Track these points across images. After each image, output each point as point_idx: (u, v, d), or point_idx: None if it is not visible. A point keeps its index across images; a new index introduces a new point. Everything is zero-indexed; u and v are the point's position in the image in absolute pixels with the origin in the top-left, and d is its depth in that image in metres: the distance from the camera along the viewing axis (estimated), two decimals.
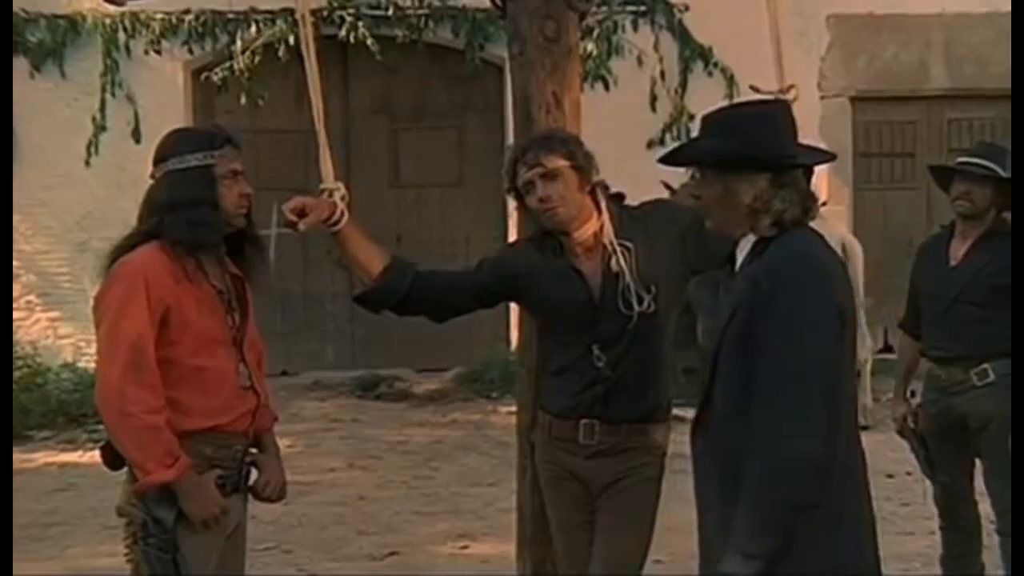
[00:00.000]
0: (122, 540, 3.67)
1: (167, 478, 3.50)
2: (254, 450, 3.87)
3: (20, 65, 12.13)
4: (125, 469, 3.64)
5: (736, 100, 11.61)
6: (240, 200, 3.69)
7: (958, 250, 5.20)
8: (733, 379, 2.98)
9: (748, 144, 3.00)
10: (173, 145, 3.73)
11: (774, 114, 3.19)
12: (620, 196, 4.08)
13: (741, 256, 3.16)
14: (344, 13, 12.33)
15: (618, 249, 3.91)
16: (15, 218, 11.50)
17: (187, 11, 12.32)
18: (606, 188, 4.01)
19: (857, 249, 10.38)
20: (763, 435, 2.82)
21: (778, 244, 3.01)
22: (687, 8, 12.63)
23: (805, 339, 2.82)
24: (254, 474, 3.87)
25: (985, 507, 5.27)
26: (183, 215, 3.61)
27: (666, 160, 3.23)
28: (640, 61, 12.59)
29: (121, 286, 3.56)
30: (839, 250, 10.28)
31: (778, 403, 2.81)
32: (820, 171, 3.87)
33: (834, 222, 10.80)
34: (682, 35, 12.70)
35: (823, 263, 3.00)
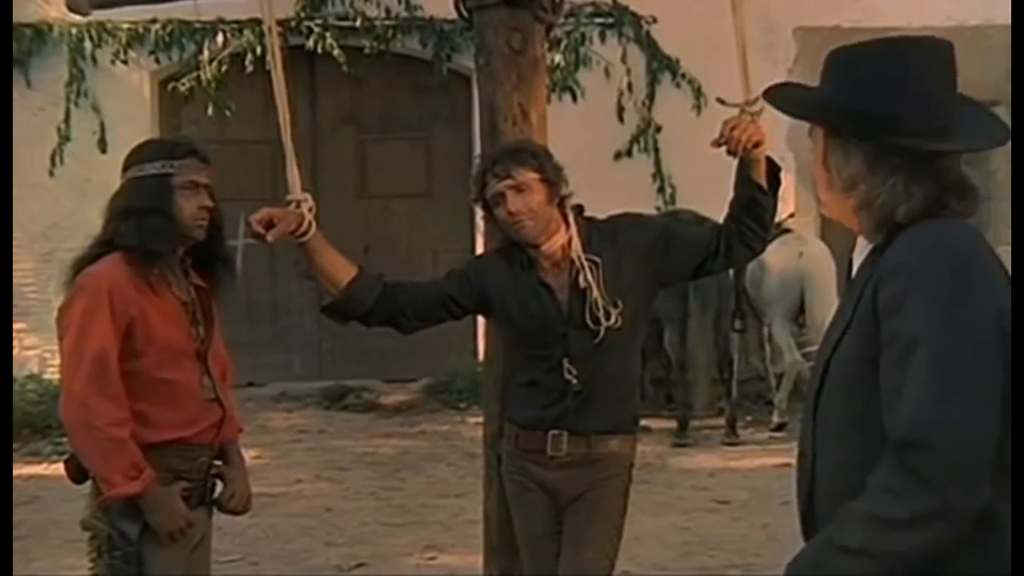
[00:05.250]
0: (87, 554, 3.65)
1: (132, 491, 3.49)
2: (219, 462, 3.86)
3: None
4: (89, 482, 3.62)
5: (704, 112, 11.81)
6: (198, 212, 3.68)
7: None
8: (847, 424, 2.25)
9: (852, 95, 2.29)
10: (136, 154, 3.75)
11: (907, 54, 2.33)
12: (580, 209, 4.09)
13: (858, 262, 2.49)
14: (311, 24, 12.32)
15: (586, 264, 3.92)
16: None
17: (154, 20, 12.26)
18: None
19: (828, 259, 10.43)
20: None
21: (912, 236, 2.24)
22: (655, 20, 12.67)
23: (960, 327, 2.08)
24: (219, 486, 3.86)
25: None
26: (137, 223, 3.61)
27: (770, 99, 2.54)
28: (607, 73, 12.62)
29: (84, 298, 3.55)
30: (806, 260, 10.44)
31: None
32: (786, 183, 3.89)
33: (802, 233, 10.87)
34: (650, 47, 12.74)
35: (980, 261, 2.19)
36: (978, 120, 2.36)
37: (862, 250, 2.44)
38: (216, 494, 3.85)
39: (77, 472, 3.63)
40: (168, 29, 12.32)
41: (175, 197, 3.64)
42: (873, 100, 2.25)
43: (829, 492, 2.25)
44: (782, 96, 2.49)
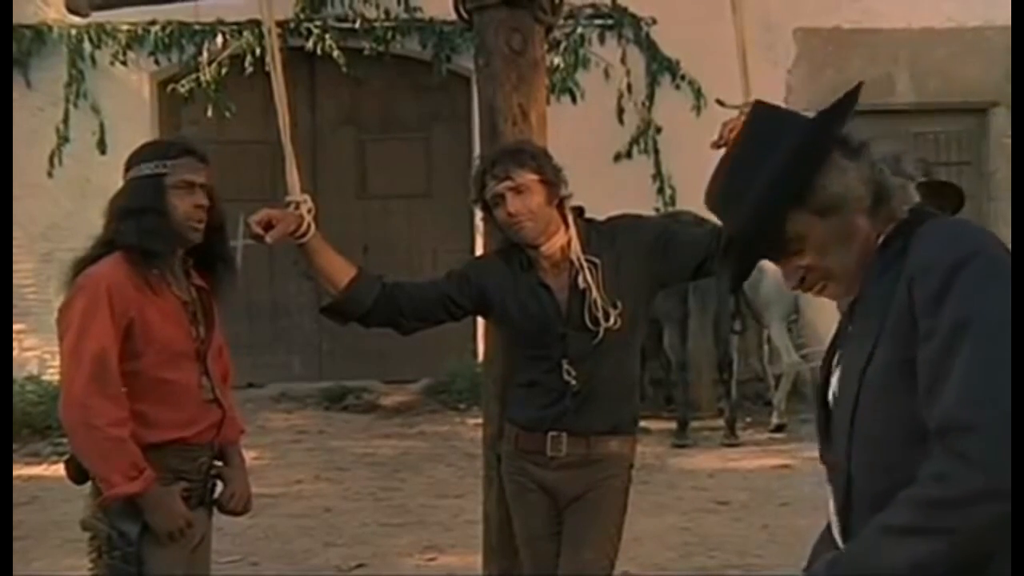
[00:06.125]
0: (87, 554, 3.65)
1: (132, 491, 3.49)
2: (220, 463, 3.86)
3: None
4: (89, 483, 3.62)
5: (704, 113, 11.80)
6: (193, 211, 3.66)
7: None
8: (885, 427, 2.19)
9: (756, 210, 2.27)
10: (135, 155, 3.76)
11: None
12: (580, 210, 4.09)
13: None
14: (311, 25, 12.32)
15: (585, 265, 3.92)
16: None
17: (153, 22, 12.26)
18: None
19: None
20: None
21: (931, 230, 2.22)
22: (654, 21, 12.66)
23: (1007, 348, 2.01)
24: (219, 487, 3.86)
25: None
26: (133, 223, 3.62)
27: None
28: (607, 74, 12.62)
29: (84, 298, 3.55)
30: None
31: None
32: None
33: None
34: (649, 48, 12.73)
35: (1004, 253, 2.16)
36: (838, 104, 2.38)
37: None
38: (216, 495, 3.85)
39: (77, 473, 3.62)
40: (168, 30, 12.31)
41: (168, 197, 3.64)
42: (757, 193, 2.26)
43: (867, 494, 2.20)
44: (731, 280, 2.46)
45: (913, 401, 2.08)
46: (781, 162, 2.25)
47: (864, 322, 2.25)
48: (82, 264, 3.65)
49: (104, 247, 3.67)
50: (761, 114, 2.42)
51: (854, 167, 2.26)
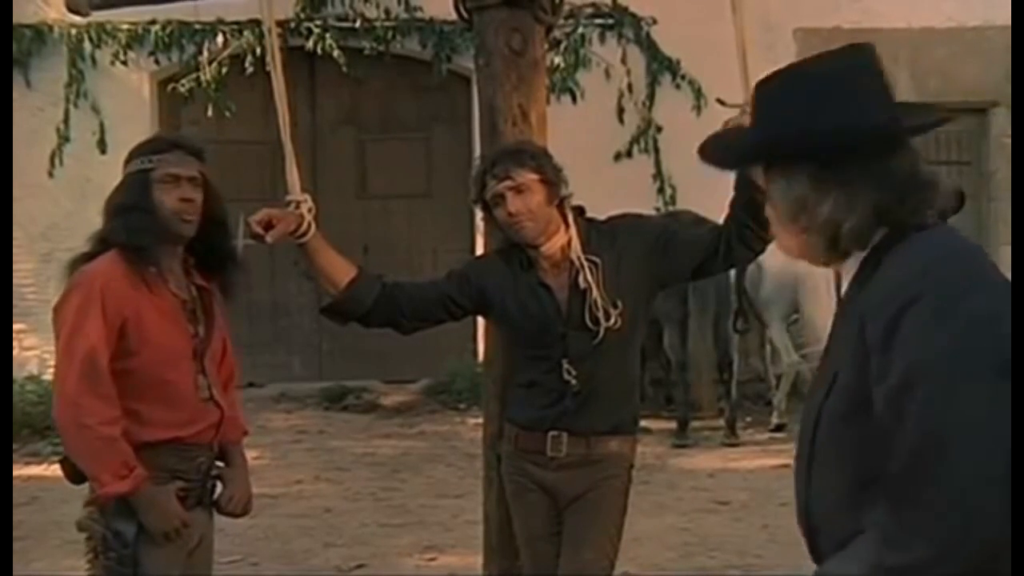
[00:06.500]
0: (84, 555, 3.64)
1: (121, 490, 3.47)
2: (220, 463, 3.85)
3: None
4: (87, 484, 3.61)
5: (704, 112, 11.80)
6: (179, 205, 3.63)
7: None
8: (841, 473, 2.13)
9: (775, 125, 2.20)
10: (130, 153, 3.74)
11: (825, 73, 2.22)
12: (580, 209, 4.09)
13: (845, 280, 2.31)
14: (311, 25, 12.33)
15: (585, 264, 3.92)
16: None
17: (153, 21, 12.26)
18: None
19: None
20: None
21: (894, 259, 2.13)
22: (655, 21, 12.66)
23: (954, 410, 1.91)
24: (219, 488, 3.83)
25: None
26: (122, 221, 3.62)
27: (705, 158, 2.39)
28: (607, 74, 12.62)
29: (77, 297, 3.54)
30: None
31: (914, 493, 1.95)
32: None
33: None
34: (649, 48, 12.73)
35: (970, 282, 2.03)
36: (917, 110, 2.30)
37: (849, 269, 2.26)
38: (216, 496, 3.83)
39: (73, 473, 3.60)
40: (168, 30, 12.32)
41: (154, 192, 3.62)
42: (804, 115, 2.16)
43: (824, 516, 2.17)
44: (714, 152, 2.37)
45: (869, 429, 2.03)
46: (849, 123, 2.14)
47: (835, 341, 2.21)
48: (78, 262, 3.65)
49: (99, 245, 3.66)
50: (872, 61, 2.25)
51: (874, 185, 2.14)
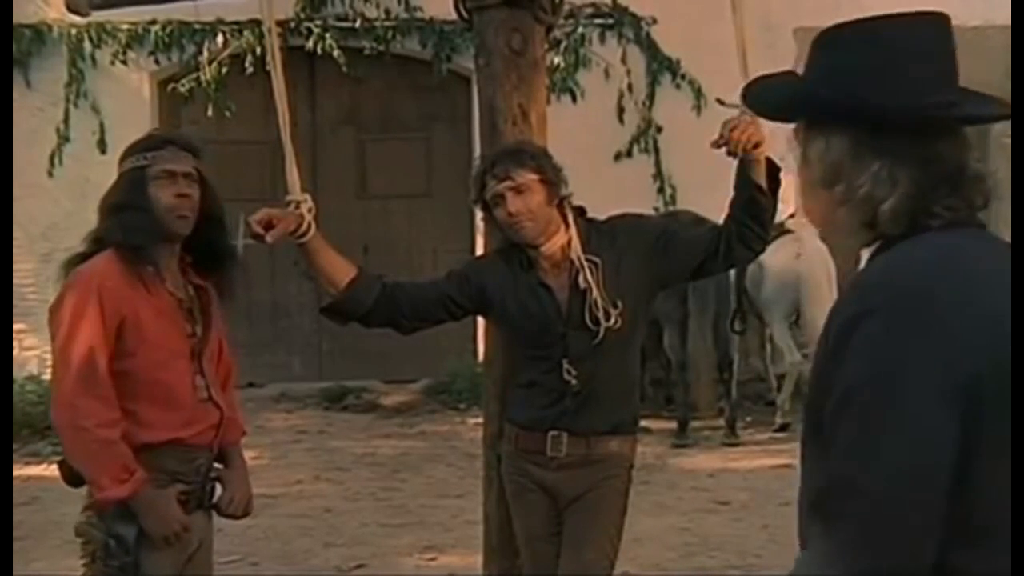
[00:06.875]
0: (79, 558, 3.61)
1: (121, 494, 3.44)
2: (219, 465, 3.82)
3: None
4: (86, 487, 3.57)
5: (704, 112, 11.80)
6: (175, 201, 3.61)
7: None
8: (804, 484, 2.04)
9: (833, 77, 2.03)
10: (124, 151, 3.73)
11: (893, 32, 2.04)
12: (581, 210, 4.09)
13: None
14: (311, 24, 12.32)
15: (585, 264, 3.92)
16: None
17: (153, 21, 12.25)
18: (570, 203, 4.03)
19: (825, 260, 10.43)
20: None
21: (873, 262, 2.02)
22: (655, 21, 12.66)
23: (883, 432, 1.82)
24: (219, 490, 3.80)
25: None
26: (118, 219, 3.60)
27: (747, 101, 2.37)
28: (607, 74, 12.62)
29: (74, 297, 3.52)
30: (802, 261, 10.43)
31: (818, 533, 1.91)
32: (786, 183, 3.88)
33: (801, 234, 10.85)
34: (650, 48, 12.73)
35: (932, 297, 1.87)
36: (978, 99, 2.08)
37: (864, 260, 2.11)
38: (215, 498, 3.80)
39: (71, 475, 3.57)
40: (168, 30, 12.31)
41: (149, 189, 3.60)
42: (857, 79, 1.99)
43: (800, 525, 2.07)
44: (757, 95, 2.25)
45: (822, 450, 1.93)
46: (901, 100, 1.98)
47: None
48: (74, 262, 3.63)
49: (94, 244, 3.64)
50: (945, 36, 2.08)
51: (906, 172, 1.98)
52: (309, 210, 3.86)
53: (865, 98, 1.98)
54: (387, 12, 12.50)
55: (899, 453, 1.80)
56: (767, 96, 2.22)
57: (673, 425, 10.40)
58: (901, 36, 2.03)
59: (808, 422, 2.01)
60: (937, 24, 2.07)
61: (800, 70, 2.17)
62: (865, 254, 2.11)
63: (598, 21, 12.69)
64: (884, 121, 1.98)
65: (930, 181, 1.97)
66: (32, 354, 11.95)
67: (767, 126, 3.76)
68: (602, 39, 12.72)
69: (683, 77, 12.62)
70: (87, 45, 12.31)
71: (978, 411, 1.80)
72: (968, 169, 2.02)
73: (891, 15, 2.06)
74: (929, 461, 1.80)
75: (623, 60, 12.68)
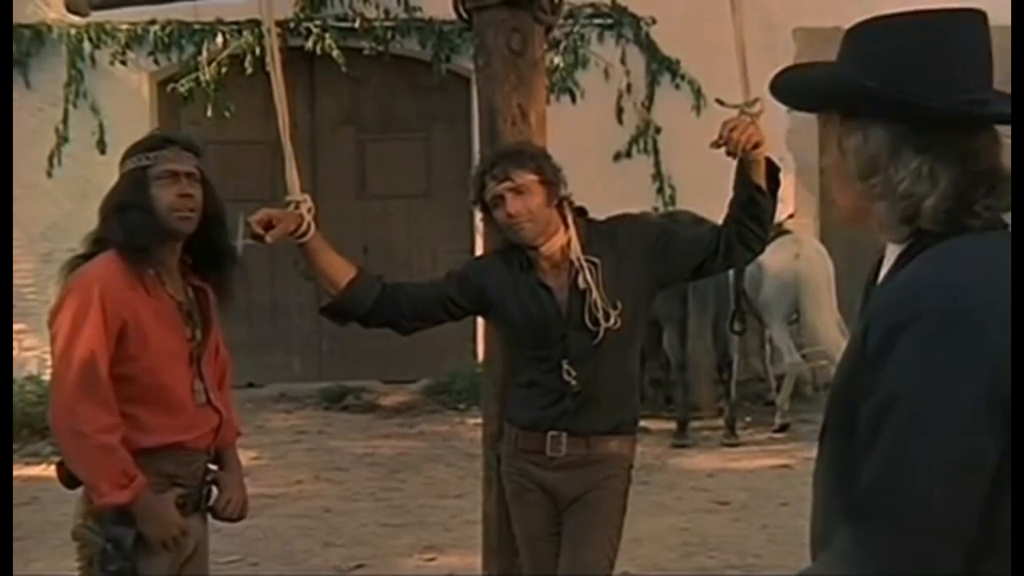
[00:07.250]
0: (76, 561, 3.60)
1: (122, 500, 3.43)
2: (215, 467, 3.81)
3: None
4: (81, 491, 3.56)
5: (703, 113, 11.80)
6: (177, 201, 3.59)
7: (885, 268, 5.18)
8: (829, 461, 2.03)
9: (873, 69, 1.98)
10: (125, 152, 3.72)
11: (931, 26, 2.02)
12: (582, 211, 4.09)
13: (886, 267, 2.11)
14: (311, 25, 12.31)
15: (585, 265, 3.92)
16: None
17: (153, 21, 12.25)
18: (571, 203, 4.03)
19: (824, 261, 10.44)
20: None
21: (918, 262, 1.95)
22: (654, 21, 12.66)
23: (928, 437, 1.79)
24: (215, 492, 3.79)
25: None
26: (118, 219, 3.58)
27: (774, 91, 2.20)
28: (607, 74, 12.62)
29: (75, 300, 3.49)
30: (801, 262, 10.43)
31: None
32: (786, 183, 3.89)
33: (801, 234, 10.86)
34: (649, 48, 12.72)
35: (982, 304, 1.82)
36: (1006, 99, 2.07)
37: (890, 255, 2.07)
38: (212, 500, 3.79)
39: (69, 478, 3.55)
40: (167, 30, 12.30)
41: (151, 189, 3.58)
42: (903, 73, 1.96)
43: (814, 528, 2.09)
44: (785, 88, 2.15)
45: (852, 441, 1.90)
46: (936, 96, 1.95)
47: (851, 340, 2.03)
48: (75, 263, 3.61)
49: (95, 245, 3.63)
50: (983, 34, 2.10)
51: (947, 168, 1.95)
52: (309, 210, 3.86)
53: (912, 93, 1.95)
54: (386, 12, 12.49)
55: (948, 459, 1.78)
56: (801, 85, 2.17)
57: (672, 425, 10.39)
58: (948, 31, 2.02)
59: (835, 422, 1.99)
60: (977, 21, 2.07)
61: None
62: (889, 250, 2.08)
63: (597, 21, 12.68)
64: (930, 118, 1.95)
65: (969, 180, 1.94)
66: (32, 354, 11.94)
67: (765, 127, 3.77)
68: (601, 39, 12.71)
69: (682, 77, 12.62)
70: (86, 45, 12.30)
71: (1011, 418, 1.79)
72: (1003, 169, 1.99)
73: (931, 10, 2.04)
74: (977, 470, 1.78)
75: (622, 60, 12.68)
